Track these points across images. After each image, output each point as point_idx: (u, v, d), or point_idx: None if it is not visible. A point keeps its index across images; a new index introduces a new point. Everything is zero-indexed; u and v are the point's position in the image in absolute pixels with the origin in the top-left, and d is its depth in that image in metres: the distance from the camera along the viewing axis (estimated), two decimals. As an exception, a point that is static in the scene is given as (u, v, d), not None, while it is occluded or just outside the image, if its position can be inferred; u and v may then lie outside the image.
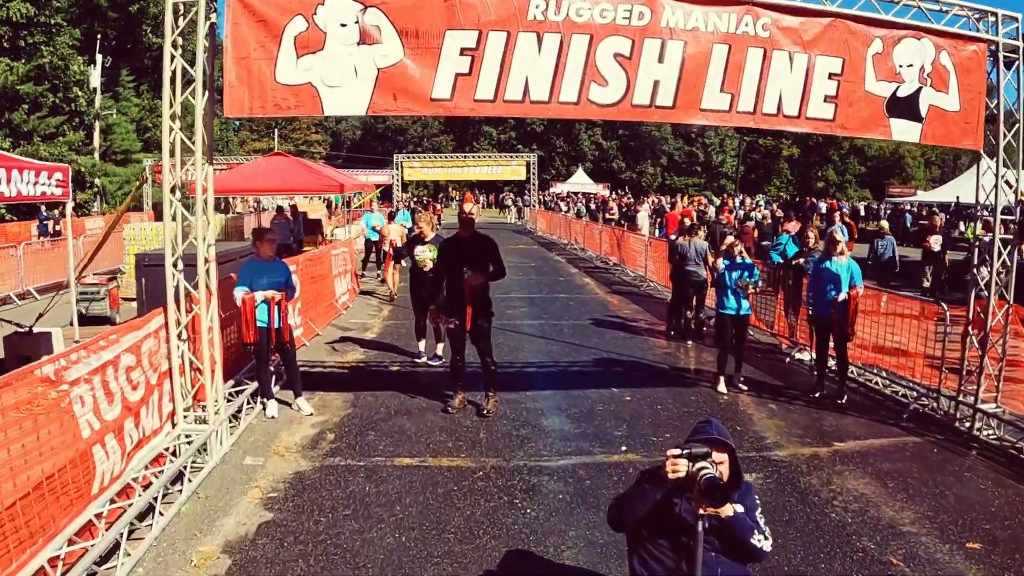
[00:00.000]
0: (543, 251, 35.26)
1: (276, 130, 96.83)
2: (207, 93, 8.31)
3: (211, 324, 8.74)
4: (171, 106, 8.20)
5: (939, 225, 22.62)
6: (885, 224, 26.50)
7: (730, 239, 12.37)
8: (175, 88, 8.25)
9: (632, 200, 43.30)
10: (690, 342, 15.13)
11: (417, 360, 13.15)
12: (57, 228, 36.99)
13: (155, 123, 55.38)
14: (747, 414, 10.59)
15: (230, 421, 9.40)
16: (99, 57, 47.61)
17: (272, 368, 10.84)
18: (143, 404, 7.78)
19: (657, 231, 33.22)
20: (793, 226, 19.82)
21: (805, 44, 8.60)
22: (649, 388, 11.67)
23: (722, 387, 11.63)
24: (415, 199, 53.70)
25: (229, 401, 9.73)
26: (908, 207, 48.47)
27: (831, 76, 8.72)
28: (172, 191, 8.38)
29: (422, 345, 13.26)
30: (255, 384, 10.41)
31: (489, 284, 9.97)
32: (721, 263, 11.86)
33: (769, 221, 32.09)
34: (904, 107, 9.09)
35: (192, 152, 8.40)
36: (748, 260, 11.95)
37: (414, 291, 13.03)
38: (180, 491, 7.60)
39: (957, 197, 37.29)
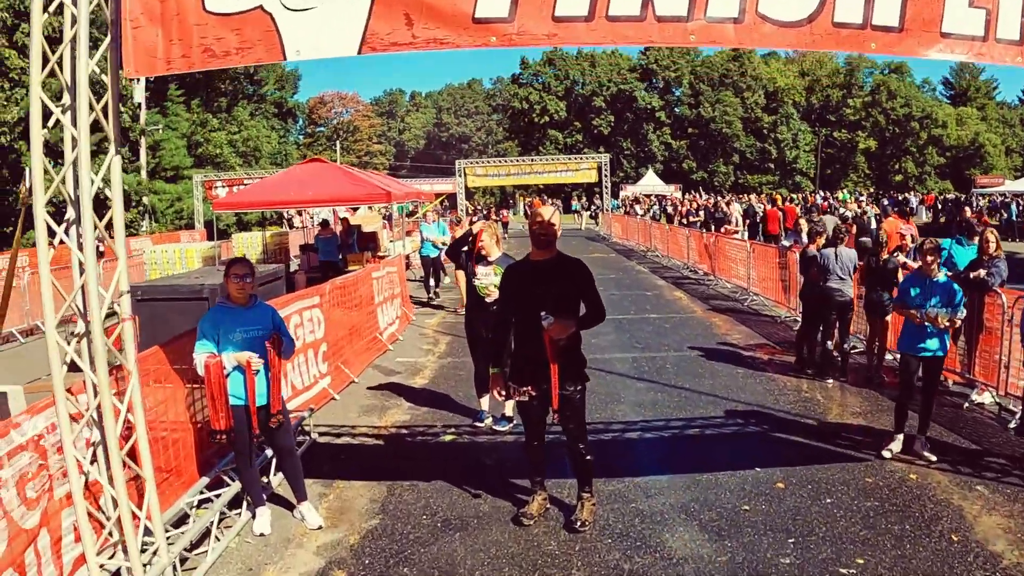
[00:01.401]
0: (622, 260, 31.70)
1: (338, 142, 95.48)
2: (109, 40, 5.07)
3: (129, 421, 5.50)
4: (42, 67, 4.99)
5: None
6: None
7: (923, 245, 8.77)
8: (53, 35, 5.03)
9: (717, 198, 39.67)
10: (830, 380, 11.51)
11: (478, 424, 9.72)
12: (100, 249, 34.58)
13: (207, 138, 53.18)
14: (954, 507, 6.99)
15: (192, 549, 6.17)
16: (144, 71, 45.11)
17: (267, 456, 7.62)
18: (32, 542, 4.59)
19: (746, 233, 29.70)
20: (892, 224, 17.00)
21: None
22: (804, 465, 8.10)
23: (896, 446, 8.32)
24: (474, 208, 50.40)
25: (200, 508, 6.47)
26: (1006, 197, 44.48)
27: None
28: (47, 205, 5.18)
29: (484, 402, 9.79)
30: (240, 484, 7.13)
31: (581, 335, 6.56)
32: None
33: (869, 217, 28.44)
34: None
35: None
36: (944, 278, 8.42)
37: (472, 329, 9.67)
38: None
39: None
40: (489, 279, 8.95)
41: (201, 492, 6.96)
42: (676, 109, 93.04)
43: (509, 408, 9.52)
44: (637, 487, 7.60)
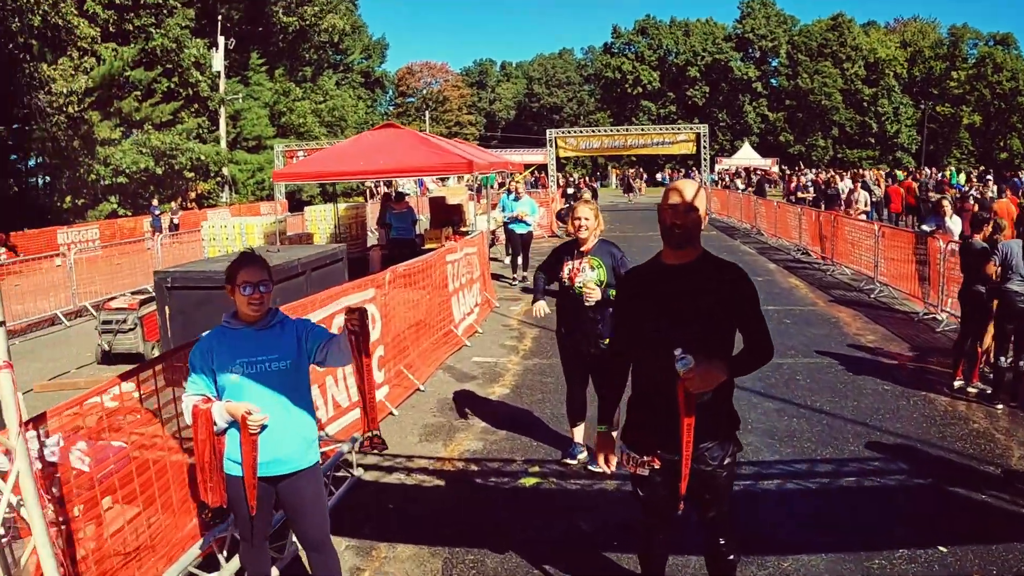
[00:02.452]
0: (724, 238, 29.15)
1: (427, 112, 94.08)
2: None
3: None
4: None
5: None
6: None
7: None
8: None
9: (831, 174, 36.76)
10: (1000, 405, 9.11)
11: (569, 461, 7.55)
12: (175, 222, 33.38)
13: (290, 107, 52.02)
14: None
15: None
16: (221, 39, 43.87)
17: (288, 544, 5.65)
18: None
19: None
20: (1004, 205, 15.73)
21: None
22: (1003, 544, 5.76)
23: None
24: (565, 179, 48.04)
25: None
26: None
27: None
28: None
29: (579, 433, 7.65)
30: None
31: (734, 383, 4.21)
32: None
33: (992, 197, 25.48)
34: None
35: None
36: None
37: (564, 339, 7.47)
38: None
39: None
40: (587, 276, 6.85)
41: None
42: (773, 80, 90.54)
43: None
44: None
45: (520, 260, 18.65)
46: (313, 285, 11.13)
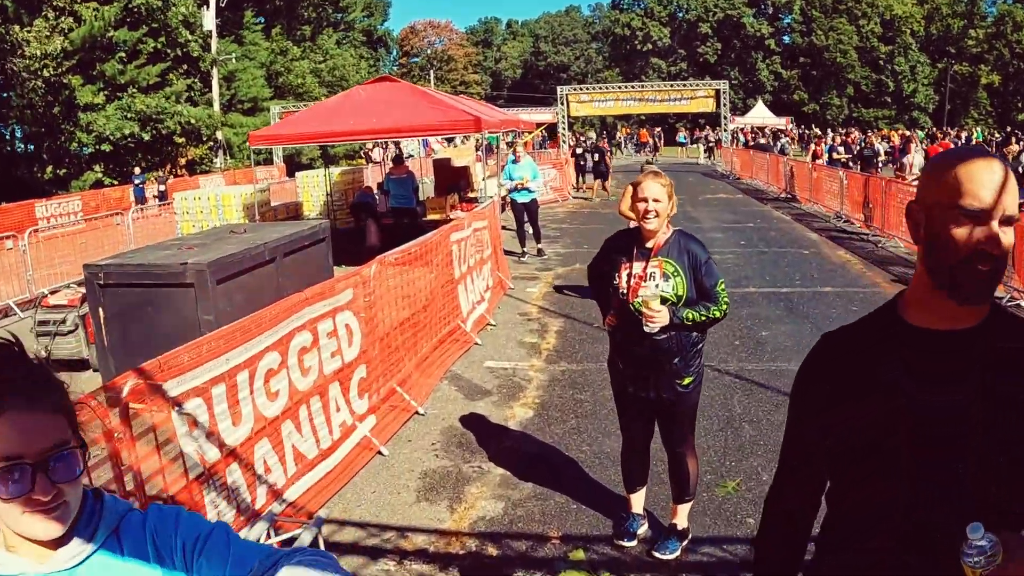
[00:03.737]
0: (753, 203, 26.78)
1: (432, 71, 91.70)
2: None
3: None
4: None
5: None
6: None
7: None
8: None
9: (868, 133, 34.16)
10: None
11: (625, 543, 5.22)
12: (161, 190, 31.14)
13: (287, 67, 49.63)
14: None
15: None
16: (211, -3, 41.41)
17: None
18: None
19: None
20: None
21: None
22: None
23: None
24: (576, 138, 45.38)
25: None
26: None
27: None
28: None
29: (637, 501, 5.34)
30: None
31: None
32: None
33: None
34: None
35: None
36: None
37: (619, 373, 5.12)
38: None
39: None
40: (654, 287, 4.64)
41: None
42: (786, 37, 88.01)
43: (682, 517, 5.17)
44: None
45: (531, 231, 16.32)
46: (287, 275, 8.96)
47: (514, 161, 15.63)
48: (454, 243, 9.88)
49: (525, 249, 16.15)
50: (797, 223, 21.46)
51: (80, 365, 9.96)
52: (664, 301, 4.57)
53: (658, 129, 68.87)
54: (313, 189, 21.80)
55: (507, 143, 27.94)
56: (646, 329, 4.55)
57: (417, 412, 7.69)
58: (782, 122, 64.97)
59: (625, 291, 4.69)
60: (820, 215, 22.83)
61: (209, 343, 4.81)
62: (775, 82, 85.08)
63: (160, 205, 22.13)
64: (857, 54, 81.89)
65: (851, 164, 29.07)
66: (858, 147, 30.65)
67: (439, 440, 7.18)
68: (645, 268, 4.65)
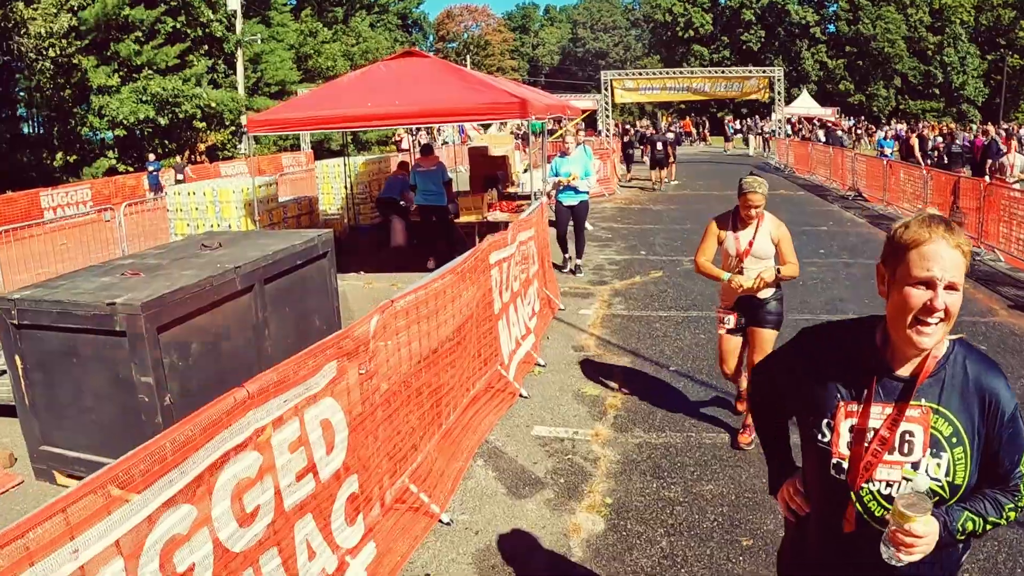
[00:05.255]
0: (818, 202, 23.90)
1: (468, 56, 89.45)
2: None
3: None
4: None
5: None
6: None
7: None
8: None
9: (953, 127, 31.18)
10: None
11: None
12: (179, 178, 29.02)
13: (317, 50, 47.39)
14: None
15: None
16: (237, -24, 39.26)
17: None
18: None
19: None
20: None
21: None
22: None
23: None
24: (621, 127, 42.56)
25: None
26: None
27: None
28: None
29: None
30: None
31: None
32: None
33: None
34: None
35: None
36: None
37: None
38: None
39: None
40: (917, 482, 2.25)
41: None
42: (832, 25, 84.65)
43: None
44: None
45: (571, 246, 13.66)
46: (272, 306, 6.60)
47: (563, 154, 12.99)
48: (494, 266, 7.43)
49: (566, 256, 13.68)
50: (873, 226, 18.77)
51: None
52: (932, 496, 2.24)
53: (704, 118, 66.37)
54: (334, 180, 19.43)
55: (547, 131, 25.52)
56: (887, 556, 2.21)
57: (440, 521, 5.31)
58: (827, 112, 62.45)
59: (847, 467, 2.36)
60: (896, 217, 20.04)
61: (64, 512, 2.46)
62: (820, 71, 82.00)
63: (154, 199, 19.79)
64: (905, 44, 78.76)
65: (920, 159, 26.32)
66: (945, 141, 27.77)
67: (471, 573, 4.80)
68: (894, 424, 2.29)
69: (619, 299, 11.66)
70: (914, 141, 27.77)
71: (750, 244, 6.19)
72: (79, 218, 17.76)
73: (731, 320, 6.41)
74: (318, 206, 16.96)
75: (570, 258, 13.63)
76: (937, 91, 79.71)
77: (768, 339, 6.30)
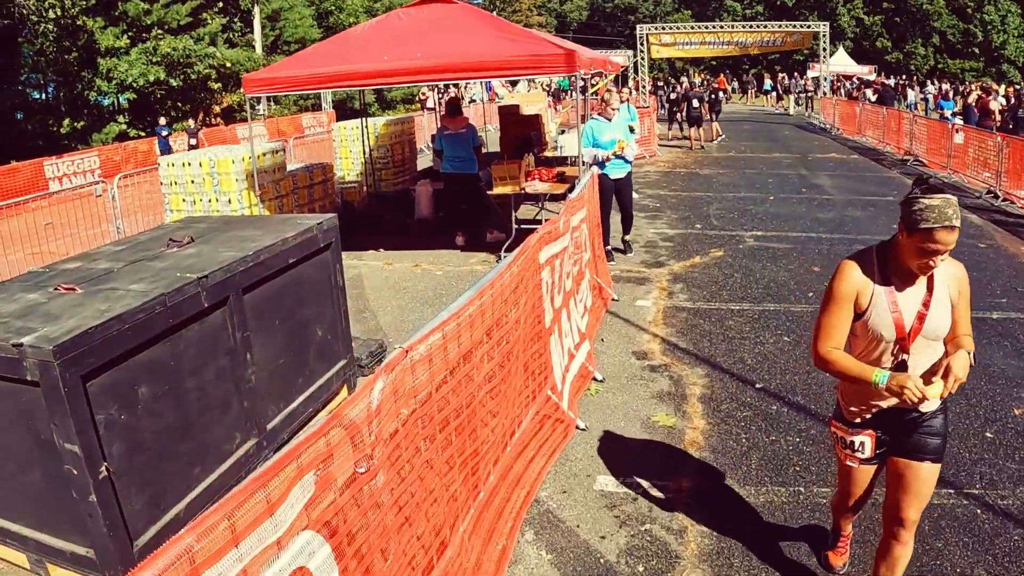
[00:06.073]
0: (874, 167, 21.79)
1: (494, 12, 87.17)
2: None
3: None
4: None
5: None
6: None
7: None
8: None
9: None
10: None
11: None
12: (192, 143, 27.41)
13: (339, 6, 45.59)
14: None
15: None
16: (252, -73, 37.43)
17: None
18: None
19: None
20: None
21: None
22: None
23: None
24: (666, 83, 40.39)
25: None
26: None
27: None
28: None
29: None
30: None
31: None
32: None
33: None
34: None
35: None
36: None
37: None
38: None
39: None
40: None
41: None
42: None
43: None
44: None
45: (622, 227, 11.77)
46: (251, 321, 5.00)
47: (601, 117, 10.87)
48: (545, 265, 5.73)
49: (624, 243, 11.94)
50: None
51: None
52: None
53: (752, 75, 64.46)
54: (352, 143, 17.77)
55: (580, 89, 23.66)
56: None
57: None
58: (864, 70, 60.34)
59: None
60: (963, 188, 18.09)
61: None
62: (856, 28, 79.31)
63: (149, 171, 18.07)
64: (944, 1, 76.14)
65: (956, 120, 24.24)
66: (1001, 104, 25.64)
67: None
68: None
69: (680, 286, 9.97)
70: (993, 105, 25.53)
71: (922, 315, 3.46)
72: (67, 192, 16.20)
73: (867, 445, 3.77)
74: (333, 173, 15.28)
75: (626, 241, 11.85)
76: (976, 50, 77.10)
77: (930, 478, 3.68)
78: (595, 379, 6.94)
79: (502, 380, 4.61)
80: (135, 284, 4.66)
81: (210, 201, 11.78)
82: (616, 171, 10.96)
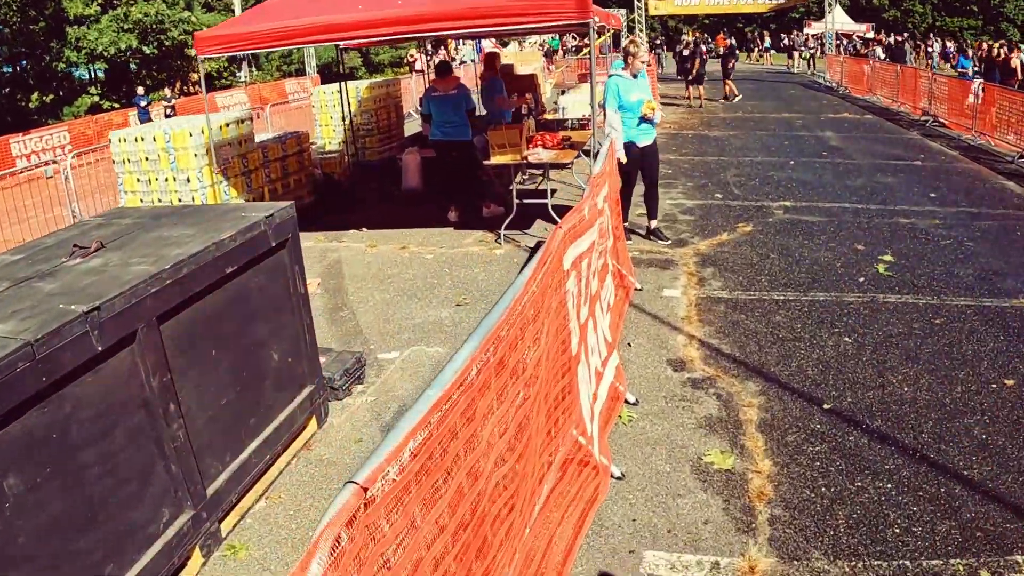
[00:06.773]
0: (891, 127, 20.26)
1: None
2: None
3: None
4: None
5: None
6: None
7: None
8: None
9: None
10: None
11: None
12: (168, 113, 25.96)
13: (323, -35, 43.73)
14: None
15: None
16: None
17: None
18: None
19: None
20: None
21: None
22: None
23: None
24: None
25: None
26: None
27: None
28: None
29: None
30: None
31: None
32: None
33: None
34: None
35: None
36: None
37: None
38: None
39: None
40: None
41: None
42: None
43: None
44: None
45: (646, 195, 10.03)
46: (176, 358, 3.61)
47: (627, 72, 9.33)
48: (571, 271, 4.31)
49: (655, 231, 10.29)
50: (973, 162, 15.33)
51: None
52: None
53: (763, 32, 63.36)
54: (333, 109, 16.31)
55: (576, 48, 21.77)
56: None
57: None
58: (862, 28, 58.87)
59: None
60: (992, 152, 16.51)
61: None
62: (852, -15, 78.06)
63: (103, 147, 16.49)
64: (945, -42, 74.60)
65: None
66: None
67: None
68: None
69: (710, 270, 8.61)
70: (1016, 63, 23.96)
71: None
72: (17, 173, 14.78)
73: None
74: (310, 143, 13.83)
75: (656, 233, 10.27)
76: (975, 8, 75.53)
77: None
78: (627, 401, 5.58)
79: (519, 458, 3.24)
80: (3, 323, 3.28)
81: (167, 180, 10.34)
82: (644, 137, 9.51)
